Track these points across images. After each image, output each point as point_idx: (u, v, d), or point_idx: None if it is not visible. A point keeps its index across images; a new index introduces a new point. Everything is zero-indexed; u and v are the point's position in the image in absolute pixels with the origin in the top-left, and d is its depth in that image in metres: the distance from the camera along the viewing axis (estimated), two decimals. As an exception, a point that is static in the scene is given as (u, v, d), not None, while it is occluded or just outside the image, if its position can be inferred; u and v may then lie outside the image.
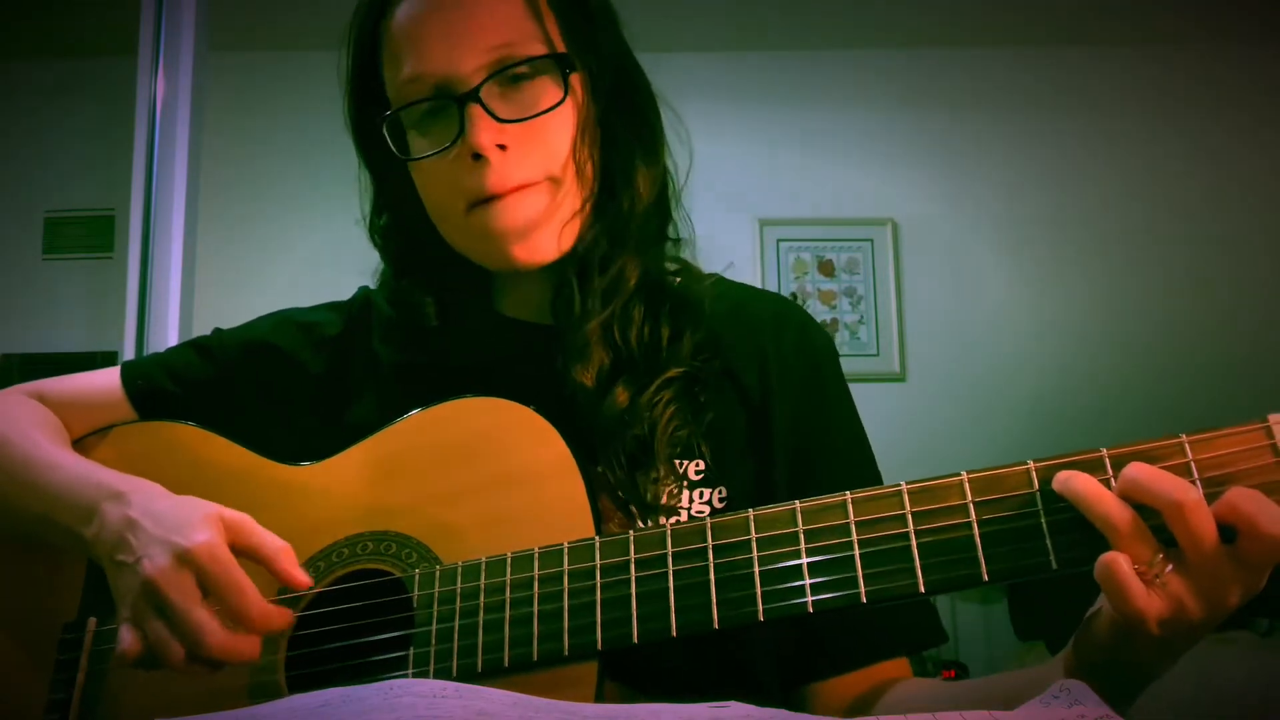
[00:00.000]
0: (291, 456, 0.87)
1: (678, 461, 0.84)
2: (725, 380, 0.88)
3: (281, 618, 0.73)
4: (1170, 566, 0.58)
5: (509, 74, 0.83)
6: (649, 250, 0.90)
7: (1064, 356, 3.35)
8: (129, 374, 0.97)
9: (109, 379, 0.96)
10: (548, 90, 0.85)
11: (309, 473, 0.85)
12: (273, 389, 0.96)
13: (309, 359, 0.96)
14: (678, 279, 0.92)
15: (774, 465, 0.87)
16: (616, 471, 0.81)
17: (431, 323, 0.93)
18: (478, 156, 0.82)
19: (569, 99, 0.85)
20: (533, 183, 0.84)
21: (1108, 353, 3.34)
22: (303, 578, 0.74)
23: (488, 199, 0.83)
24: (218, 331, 1.02)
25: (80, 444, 0.93)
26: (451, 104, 0.83)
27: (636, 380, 0.84)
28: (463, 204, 0.85)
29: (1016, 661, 2.83)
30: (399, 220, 0.95)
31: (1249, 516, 0.57)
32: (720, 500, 0.84)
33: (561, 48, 0.86)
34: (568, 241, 0.87)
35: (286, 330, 0.98)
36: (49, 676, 0.82)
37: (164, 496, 0.78)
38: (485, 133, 0.81)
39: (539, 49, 0.85)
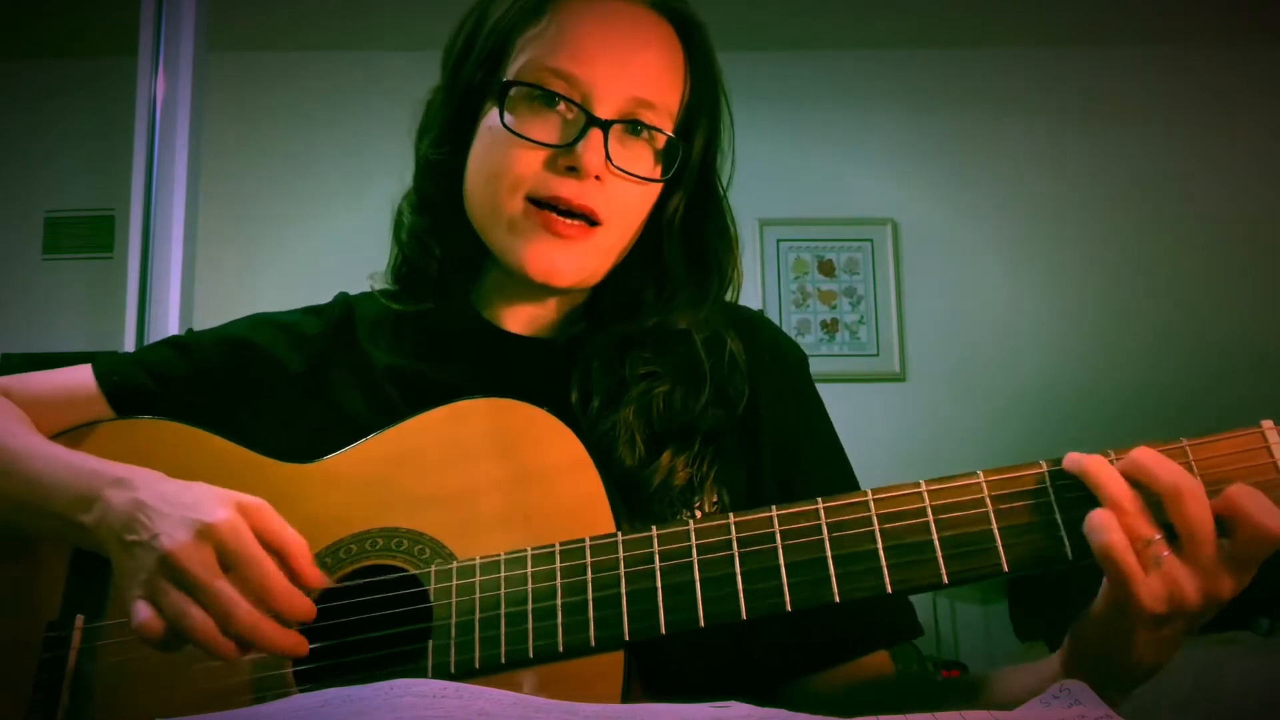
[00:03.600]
0: (279, 455, 0.85)
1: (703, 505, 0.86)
2: (715, 392, 0.90)
3: (305, 603, 0.71)
4: (1167, 552, 0.61)
5: (634, 124, 0.87)
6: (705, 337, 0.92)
7: (1064, 357, 3.35)
8: (102, 370, 0.93)
9: (80, 376, 0.93)
10: (655, 164, 0.89)
11: (310, 469, 0.84)
12: (254, 386, 0.94)
13: (288, 357, 0.95)
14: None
15: (762, 470, 0.89)
16: (656, 518, 0.82)
17: (432, 271, 0.95)
18: (573, 169, 0.84)
19: (661, 183, 0.90)
20: (597, 223, 0.86)
21: (1107, 353, 3.35)
22: (317, 575, 0.73)
23: (552, 205, 0.85)
24: (191, 331, 1.01)
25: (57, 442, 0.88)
26: (581, 112, 0.85)
27: (679, 444, 0.86)
28: (525, 194, 0.86)
29: (1017, 661, 2.83)
30: (453, 163, 0.93)
31: (1245, 509, 0.60)
32: (712, 505, 0.85)
33: (672, 131, 0.90)
34: (578, 278, 0.89)
35: (264, 329, 0.98)
36: (30, 677, 0.78)
37: (169, 480, 0.76)
38: (596, 157, 0.84)
39: (667, 125, 0.89)
